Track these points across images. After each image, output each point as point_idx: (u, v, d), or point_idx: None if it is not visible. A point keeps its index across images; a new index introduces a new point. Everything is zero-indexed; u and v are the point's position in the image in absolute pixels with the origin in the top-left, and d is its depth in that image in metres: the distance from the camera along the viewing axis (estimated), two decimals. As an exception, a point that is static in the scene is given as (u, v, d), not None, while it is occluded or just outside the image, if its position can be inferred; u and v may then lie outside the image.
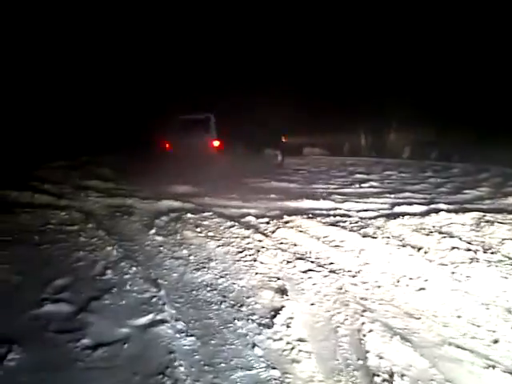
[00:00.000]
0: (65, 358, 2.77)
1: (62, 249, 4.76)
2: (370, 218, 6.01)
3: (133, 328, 3.14)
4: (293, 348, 2.90)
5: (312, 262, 4.46)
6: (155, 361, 2.75)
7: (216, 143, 10.72)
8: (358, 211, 6.46)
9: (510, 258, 4.48)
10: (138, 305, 3.48)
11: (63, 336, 3.01)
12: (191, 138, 10.73)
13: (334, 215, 6.13)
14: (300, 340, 3.00)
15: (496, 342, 3.01)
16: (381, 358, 2.78)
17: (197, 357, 2.81)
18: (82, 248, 4.75)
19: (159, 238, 5.12)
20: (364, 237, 5.11)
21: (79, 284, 3.86)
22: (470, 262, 4.33)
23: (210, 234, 5.25)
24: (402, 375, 2.61)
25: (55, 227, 5.55)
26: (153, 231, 5.35)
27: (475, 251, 4.60)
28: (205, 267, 4.29)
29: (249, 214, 6.11)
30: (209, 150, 10.66)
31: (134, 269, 4.16)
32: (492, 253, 4.62)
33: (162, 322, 3.19)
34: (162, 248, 4.82)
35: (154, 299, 3.55)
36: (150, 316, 3.28)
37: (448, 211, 6.17)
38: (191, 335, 3.04)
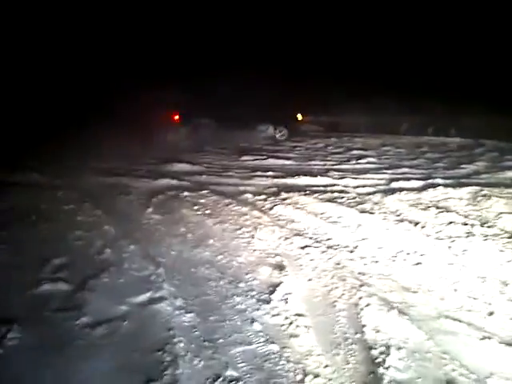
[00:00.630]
0: (64, 337, 2.79)
1: (59, 228, 4.75)
2: (368, 194, 6.01)
3: (132, 305, 3.16)
4: (291, 323, 2.93)
5: (310, 238, 4.47)
6: (154, 337, 2.78)
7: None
8: (356, 187, 6.45)
9: (506, 232, 4.50)
10: (137, 282, 3.50)
11: (62, 314, 3.04)
12: None
13: (332, 191, 6.12)
14: (298, 315, 3.02)
15: (492, 314, 3.05)
16: (378, 331, 2.81)
17: (196, 333, 2.83)
18: (79, 227, 4.73)
19: (157, 217, 5.12)
20: (361, 212, 5.12)
21: (77, 263, 3.87)
22: (467, 236, 4.36)
23: (208, 211, 5.24)
24: (399, 348, 2.64)
25: (51, 207, 5.53)
26: (150, 210, 5.34)
27: (472, 225, 4.62)
28: (203, 245, 4.29)
29: (246, 192, 6.10)
30: None
31: (132, 247, 4.17)
32: (488, 227, 4.64)
33: (161, 299, 3.21)
34: (159, 226, 4.81)
35: (153, 277, 3.57)
36: (149, 293, 3.30)
37: (445, 186, 6.17)
38: (190, 312, 3.07)
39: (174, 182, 6.69)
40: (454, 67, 15.53)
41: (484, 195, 5.73)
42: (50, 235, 4.55)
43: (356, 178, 6.99)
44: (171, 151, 9.63)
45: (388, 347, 2.65)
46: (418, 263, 3.88)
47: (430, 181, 6.57)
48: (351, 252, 4.13)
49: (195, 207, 5.38)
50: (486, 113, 12.51)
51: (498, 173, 7.25)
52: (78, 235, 4.51)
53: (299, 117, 12.95)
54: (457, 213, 5.06)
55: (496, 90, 14.11)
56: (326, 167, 8.05)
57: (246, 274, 3.68)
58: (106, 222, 4.88)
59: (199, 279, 3.59)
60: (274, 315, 3.03)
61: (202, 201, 5.65)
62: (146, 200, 5.80)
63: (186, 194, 5.93)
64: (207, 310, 3.12)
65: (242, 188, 6.40)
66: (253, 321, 2.95)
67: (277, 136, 12.26)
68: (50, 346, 2.70)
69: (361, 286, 3.43)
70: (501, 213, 5.08)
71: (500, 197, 5.69)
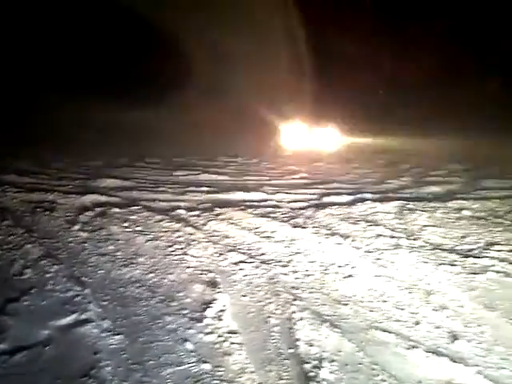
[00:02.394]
0: (-23, 366, 2.56)
1: (-26, 249, 4.40)
2: (300, 209, 6.11)
3: (55, 329, 2.96)
4: (224, 340, 2.87)
5: (243, 253, 4.45)
6: (79, 362, 2.61)
7: None
8: (289, 202, 6.54)
9: (430, 244, 4.73)
10: (61, 305, 3.29)
11: (-24, 342, 2.79)
12: None
13: (265, 206, 6.17)
14: (231, 332, 2.97)
15: (418, 323, 3.15)
16: (311, 345, 2.82)
17: (124, 355, 2.69)
18: (-2, 247, 4.42)
19: (83, 234, 4.87)
20: (294, 227, 5.19)
21: (-5, 285, 3.59)
22: (394, 249, 4.53)
23: (138, 228, 5.07)
24: (332, 360, 2.66)
25: (-33, 226, 5.13)
26: (76, 227, 5.08)
27: (398, 238, 4.82)
28: (133, 263, 4.13)
29: (179, 208, 5.98)
30: None
31: (56, 267, 3.93)
32: (414, 239, 4.86)
33: (87, 321, 3.03)
34: (86, 244, 4.58)
35: (78, 298, 3.37)
36: (74, 316, 3.11)
37: (373, 200, 6.42)
38: (118, 333, 2.92)
39: (103, 197, 6.42)
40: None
41: (409, 209, 6.02)
42: (-36, 256, 4.20)
43: (289, 193, 7.09)
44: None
45: (321, 360, 2.66)
46: (348, 276, 3.96)
47: (359, 195, 6.80)
48: (285, 266, 4.15)
49: (125, 224, 5.19)
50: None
51: (422, 187, 7.66)
52: (-4, 255, 4.20)
53: None
54: (384, 226, 5.26)
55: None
56: (260, 182, 8.11)
57: (178, 292, 3.58)
58: (28, 240, 4.58)
59: (128, 299, 3.44)
60: (206, 333, 2.95)
61: (133, 217, 5.47)
62: (72, 217, 5.51)
63: (115, 210, 5.71)
64: (136, 331, 2.98)
65: (174, 204, 6.27)
66: (185, 340, 2.86)
67: None
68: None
69: (294, 300, 3.44)
70: (425, 226, 5.36)
71: (424, 210, 6.00)
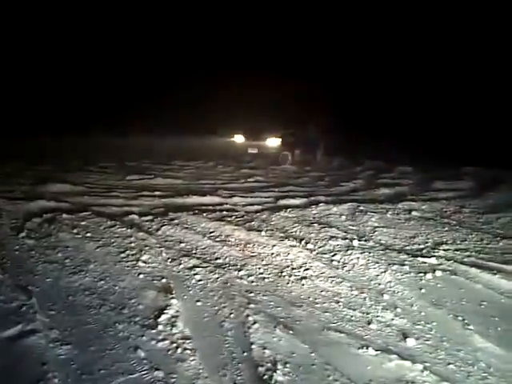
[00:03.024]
0: None
1: None
2: (256, 212, 6.12)
3: (-1, 341, 2.83)
4: (177, 347, 2.82)
5: (198, 258, 4.40)
6: (25, 375, 2.49)
7: None
8: (244, 205, 6.55)
9: (381, 244, 4.86)
10: (5, 315, 3.12)
11: None
12: None
13: (221, 210, 6.15)
14: (185, 338, 2.92)
15: (369, 323, 3.22)
16: (264, 348, 2.82)
17: (73, 366, 2.60)
18: None
19: (30, 242, 4.67)
20: (249, 230, 5.19)
21: None
22: (347, 250, 4.62)
23: (89, 234, 4.92)
24: (285, 363, 2.67)
25: None
26: (23, 234, 4.87)
27: (351, 239, 4.92)
28: (82, 270, 4.00)
29: (132, 213, 5.86)
30: None
31: (1, 276, 3.75)
32: (365, 240, 4.97)
33: (33, 332, 2.90)
34: (33, 252, 4.40)
35: (24, 308, 3.22)
36: (19, 327, 2.96)
37: (326, 203, 6.52)
38: (67, 343, 2.81)
39: (52, 203, 6.19)
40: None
41: (361, 211, 6.15)
42: None
43: (244, 197, 7.10)
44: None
45: (274, 363, 2.66)
46: (302, 278, 4.00)
47: (312, 198, 6.89)
48: (239, 270, 4.14)
49: (74, 230, 5.02)
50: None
51: (374, 190, 7.85)
52: None
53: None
54: (337, 228, 5.36)
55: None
56: (215, 186, 8.08)
57: (130, 299, 3.49)
58: (-30, 249, 4.36)
59: (78, 308, 3.32)
60: (159, 340, 2.89)
61: (83, 223, 5.30)
62: (18, 224, 5.28)
63: (64, 216, 5.51)
64: (86, 340, 2.88)
65: (127, 208, 6.14)
66: (136, 348, 2.79)
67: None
68: None
69: (248, 303, 3.44)
70: (376, 227, 5.50)
71: (375, 212, 6.14)
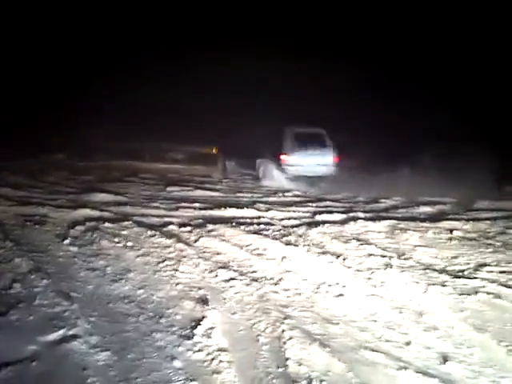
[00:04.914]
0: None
1: (-38, 262, 4.36)
2: (293, 227, 6.11)
3: (42, 345, 2.91)
4: (213, 359, 2.84)
5: (234, 270, 4.43)
6: (66, 379, 2.58)
7: None
8: (281, 219, 6.55)
9: (421, 264, 4.74)
10: (49, 320, 3.24)
11: (-38, 357, 2.73)
12: None
13: (258, 223, 6.17)
14: (220, 350, 2.94)
15: (408, 344, 3.14)
16: (300, 364, 2.80)
17: (112, 372, 2.66)
18: (-13, 260, 4.37)
19: (74, 249, 4.84)
20: (286, 245, 5.19)
21: (-18, 299, 3.54)
22: (385, 268, 4.53)
23: (129, 243, 5.05)
24: (321, 381, 2.64)
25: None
26: (67, 241, 5.05)
27: (390, 257, 4.83)
28: (122, 278, 4.10)
29: (171, 223, 5.97)
30: None
31: (45, 281, 3.89)
32: (405, 259, 4.87)
33: (75, 337, 2.99)
34: (76, 259, 4.55)
35: (66, 313, 3.33)
36: (62, 331, 3.06)
37: (365, 219, 6.44)
38: (106, 350, 2.88)
39: (95, 212, 6.40)
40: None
41: (401, 229, 6.04)
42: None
43: (282, 211, 7.10)
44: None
45: (310, 380, 2.64)
46: (339, 295, 3.95)
47: (351, 214, 6.82)
48: (275, 284, 4.14)
49: (116, 239, 5.16)
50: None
51: (414, 207, 7.69)
52: (-16, 269, 4.16)
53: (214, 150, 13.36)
54: (376, 245, 5.27)
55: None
56: (253, 199, 8.12)
57: (168, 308, 3.55)
58: (18, 254, 4.54)
59: (117, 315, 3.40)
60: (195, 351, 2.92)
61: (124, 232, 5.44)
62: (62, 231, 5.48)
63: (106, 225, 5.68)
64: (125, 347, 2.95)
65: (166, 219, 6.26)
66: (173, 358, 2.83)
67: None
68: None
69: (284, 318, 3.42)
70: (416, 245, 5.38)
71: (415, 230, 6.01)
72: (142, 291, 3.85)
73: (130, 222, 5.88)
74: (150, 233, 5.45)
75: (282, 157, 10.32)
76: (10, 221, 5.96)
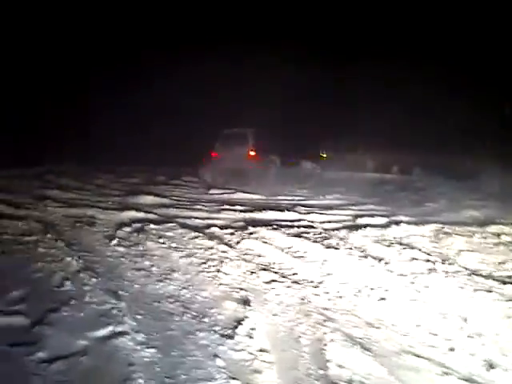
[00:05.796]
0: (20, 372, 2.67)
1: (19, 260, 4.61)
2: (333, 230, 6.10)
3: (91, 340, 3.06)
4: (254, 358, 2.89)
5: (275, 272, 4.48)
6: (114, 373, 2.68)
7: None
8: (322, 222, 6.54)
9: (466, 269, 4.62)
10: (98, 316, 3.39)
11: (19, 349, 2.90)
12: None
13: (298, 226, 6.19)
14: (262, 350, 2.99)
15: (452, 350, 3.09)
16: (341, 367, 2.81)
17: (157, 369, 2.75)
18: (40, 259, 4.60)
19: (121, 249, 5.03)
20: (327, 248, 5.18)
21: (36, 296, 3.74)
22: (429, 273, 4.45)
23: (174, 244, 5.19)
24: (361, 383, 2.64)
25: (13, 237, 5.37)
26: (114, 242, 5.25)
27: (434, 262, 4.73)
28: (167, 278, 4.23)
29: (213, 225, 6.09)
30: None
31: (94, 280, 4.07)
32: (449, 264, 4.76)
33: (122, 333, 3.12)
34: (123, 259, 4.73)
35: (114, 311, 3.47)
36: (110, 328, 3.20)
37: (408, 223, 6.33)
38: (152, 347, 2.99)
39: (141, 214, 6.61)
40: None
41: (445, 233, 5.91)
42: (10, 267, 4.40)
43: (322, 214, 7.09)
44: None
45: (351, 383, 2.64)
46: (381, 299, 3.92)
47: (393, 218, 6.72)
48: (316, 287, 4.15)
49: (161, 240, 5.32)
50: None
51: (459, 211, 7.49)
52: (38, 267, 4.38)
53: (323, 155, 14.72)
54: (419, 249, 5.18)
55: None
56: (293, 202, 8.14)
57: (211, 308, 3.63)
58: (68, 254, 4.76)
59: (162, 314, 3.52)
60: (237, 350, 2.99)
61: (168, 234, 5.60)
62: (110, 232, 5.70)
63: (152, 226, 5.87)
64: (169, 345, 3.04)
65: (209, 221, 6.39)
66: (216, 356, 2.90)
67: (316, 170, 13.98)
68: (5, 381, 2.58)
69: (325, 321, 3.44)
70: (461, 250, 5.25)
71: (460, 235, 5.87)
72: (185, 291, 3.96)
73: (174, 224, 6.03)
74: (193, 234, 5.58)
75: (212, 154, 12.58)
76: (60, 222, 6.25)
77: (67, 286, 3.95)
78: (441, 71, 15.38)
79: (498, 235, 5.95)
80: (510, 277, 4.49)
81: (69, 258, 4.61)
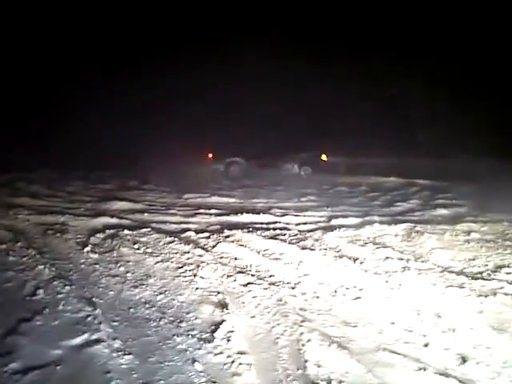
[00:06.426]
0: (-9, 385, 2.60)
1: (-12, 270, 4.48)
2: (309, 231, 6.15)
3: (66, 349, 3.00)
4: (233, 361, 2.89)
5: (252, 275, 4.48)
6: (90, 382, 2.65)
7: None
8: (297, 224, 6.59)
9: (438, 266, 4.73)
10: (72, 325, 3.33)
11: (-10, 361, 2.83)
12: None
13: (274, 229, 6.22)
14: (240, 353, 2.99)
15: (426, 345, 3.16)
16: (319, 366, 2.83)
17: (134, 375, 2.72)
18: (11, 268, 4.49)
19: (94, 256, 4.94)
20: (303, 249, 5.22)
21: (8, 305, 3.65)
22: (403, 271, 4.53)
23: (149, 250, 5.14)
24: (340, 382, 2.67)
25: (-19, 247, 5.22)
26: (87, 249, 5.15)
27: (407, 260, 4.83)
28: (143, 284, 4.19)
29: (189, 230, 6.06)
30: None
31: (68, 288, 3.99)
32: (422, 261, 4.86)
33: (98, 341, 3.07)
34: (97, 266, 4.65)
35: (89, 318, 3.41)
36: (85, 336, 3.15)
37: (381, 223, 6.44)
38: (129, 353, 2.95)
39: (114, 220, 6.52)
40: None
41: (417, 232, 6.02)
42: (-22, 277, 4.28)
43: (297, 216, 7.13)
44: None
45: (329, 381, 2.67)
46: (357, 298, 3.97)
47: (367, 218, 6.82)
48: (293, 288, 4.18)
49: (135, 246, 5.26)
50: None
51: (430, 210, 7.66)
52: (9, 276, 4.28)
53: (324, 157, 13.72)
54: (393, 248, 5.28)
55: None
56: (268, 205, 8.17)
57: (188, 313, 3.61)
58: (40, 262, 4.65)
59: (138, 320, 3.48)
60: (216, 354, 2.98)
61: (143, 239, 5.54)
62: (83, 239, 5.60)
63: (126, 232, 5.78)
64: (147, 351, 3.01)
65: (184, 226, 6.35)
66: (194, 361, 2.89)
67: (302, 173, 13.33)
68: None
69: (302, 321, 3.46)
70: (433, 248, 5.37)
71: (432, 233, 6.00)
72: (162, 296, 3.93)
73: (149, 229, 5.97)
74: (168, 239, 5.53)
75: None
76: (31, 229, 6.11)
77: (40, 294, 3.87)
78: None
79: (468, 233, 6.10)
80: (480, 273, 4.61)
81: (41, 266, 4.50)
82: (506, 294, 3.99)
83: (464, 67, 15.65)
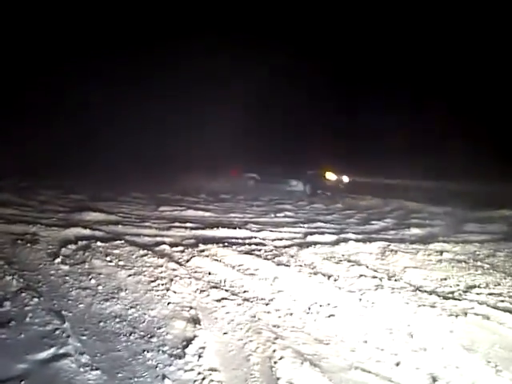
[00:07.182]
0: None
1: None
2: (284, 247, 6.15)
3: (32, 363, 2.89)
4: (204, 378, 2.83)
5: (226, 290, 4.44)
6: (55, 398, 2.56)
7: None
8: (273, 240, 6.59)
9: (411, 285, 4.78)
10: (39, 338, 3.22)
11: (-51, 376, 2.71)
12: None
13: (250, 244, 6.20)
14: (212, 370, 2.94)
15: (398, 364, 3.16)
16: (291, 384, 2.80)
17: (102, 392, 2.65)
18: (-23, 278, 4.34)
19: (65, 268, 4.81)
20: (278, 265, 5.20)
21: (-29, 318, 3.52)
22: (376, 289, 4.56)
23: (121, 263, 5.04)
24: (312, 401, 2.65)
25: None
26: (58, 260, 5.02)
27: (380, 279, 4.86)
28: (114, 297, 4.09)
29: (163, 243, 5.98)
30: None
31: (36, 300, 3.86)
32: (395, 280, 4.91)
33: (65, 355, 2.97)
34: (67, 278, 4.53)
35: (57, 332, 3.31)
36: (52, 350, 3.04)
37: (356, 241, 6.49)
38: (97, 369, 2.86)
39: (87, 231, 6.39)
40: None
41: (391, 250, 6.09)
42: None
43: (274, 231, 7.14)
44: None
45: (301, 400, 2.64)
46: (330, 315, 3.97)
47: (342, 235, 6.88)
48: (267, 304, 4.15)
49: (108, 258, 5.15)
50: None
51: (404, 229, 7.77)
52: (-26, 287, 4.13)
53: (328, 175, 14.50)
54: (367, 266, 5.32)
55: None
56: (245, 220, 8.16)
57: (159, 328, 3.54)
58: (8, 272, 4.50)
59: (108, 334, 3.39)
60: (186, 371, 2.92)
61: (116, 251, 5.44)
62: (54, 250, 5.46)
63: (98, 244, 5.66)
64: (115, 366, 2.93)
65: (158, 239, 6.27)
66: (164, 377, 2.82)
67: (306, 191, 14.52)
68: None
69: (275, 338, 3.43)
70: (406, 267, 5.43)
71: (406, 252, 6.08)
72: (133, 310, 3.84)
73: (122, 241, 5.88)
74: (142, 252, 5.45)
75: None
76: (1, 239, 5.93)
77: (6, 306, 3.73)
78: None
79: (441, 252, 6.20)
80: (451, 292, 4.68)
81: (9, 277, 4.36)
82: (476, 314, 4.04)
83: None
